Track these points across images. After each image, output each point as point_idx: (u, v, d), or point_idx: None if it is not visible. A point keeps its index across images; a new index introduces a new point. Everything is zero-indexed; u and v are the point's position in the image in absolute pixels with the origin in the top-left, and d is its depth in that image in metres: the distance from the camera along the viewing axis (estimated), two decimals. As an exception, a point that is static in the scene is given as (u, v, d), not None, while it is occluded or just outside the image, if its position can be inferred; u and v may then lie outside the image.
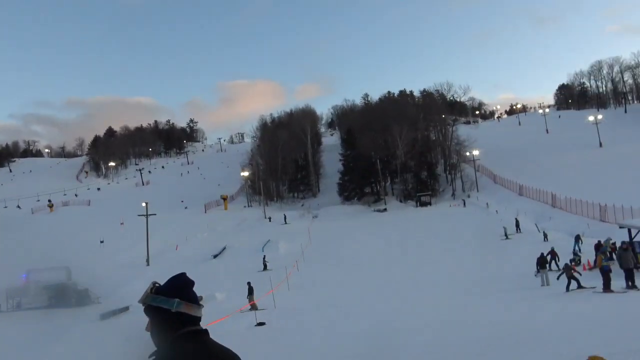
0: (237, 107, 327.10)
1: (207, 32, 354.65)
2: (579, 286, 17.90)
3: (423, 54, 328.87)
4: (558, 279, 20.09)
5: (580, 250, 29.01)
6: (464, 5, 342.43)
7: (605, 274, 16.15)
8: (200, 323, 2.01)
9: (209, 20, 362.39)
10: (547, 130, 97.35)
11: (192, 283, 2.08)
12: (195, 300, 2.01)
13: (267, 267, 35.85)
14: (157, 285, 2.05)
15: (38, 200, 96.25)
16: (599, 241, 24.32)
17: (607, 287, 15.96)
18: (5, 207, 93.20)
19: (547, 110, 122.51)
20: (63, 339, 18.31)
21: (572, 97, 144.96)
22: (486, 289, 21.37)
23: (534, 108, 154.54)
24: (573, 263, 24.28)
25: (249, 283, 24.02)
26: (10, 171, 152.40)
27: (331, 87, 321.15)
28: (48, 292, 31.83)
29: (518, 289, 20.43)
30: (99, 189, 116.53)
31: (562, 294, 17.47)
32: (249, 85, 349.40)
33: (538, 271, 21.91)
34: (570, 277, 18.36)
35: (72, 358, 13.02)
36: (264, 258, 37.20)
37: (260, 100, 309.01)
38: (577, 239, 30.66)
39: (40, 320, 26.45)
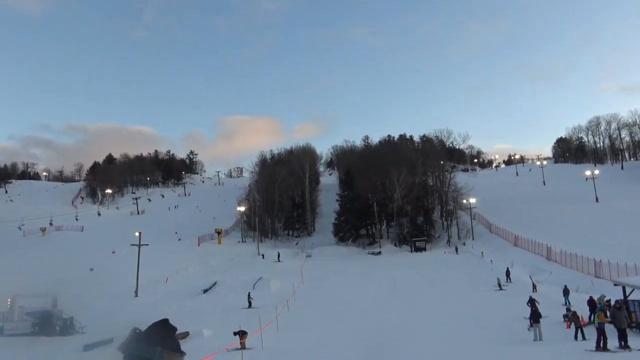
0: (236, 142, 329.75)
1: (209, 66, 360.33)
2: (584, 338, 18.69)
3: (423, 100, 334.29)
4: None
5: (569, 302, 28.86)
6: (465, 56, 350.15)
7: (602, 332, 15.94)
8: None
9: (212, 55, 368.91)
10: (544, 182, 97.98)
11: (174, 330, 2.04)
12: (177, 349, 1.97)
13: (252, 305, 35.21)
14: (138, 331, 2.01)
15: (21, 226, 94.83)
16: (591, 297, 24.13)
17: (603, 346, 15.71)
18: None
19: (544, 162, 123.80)
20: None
21: (569, 151, 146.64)
22: (479, 341, 21.00)
23: (532, 160, 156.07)
24: (567, 319, 24.02)
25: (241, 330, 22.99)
26: (6, 192, 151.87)
27: (330, 128, 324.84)
28: (32, 318, 31.17)
29: (511, 343, 20.09)
30: (99, 214, 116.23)
31: (555, 351, 17.19)
32: (249, 121, 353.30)
33: (531, 325, 21.61)
34: (578, 327, 19.65)
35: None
36: (248, 295, 36.54)
37: (259, 137, 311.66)
38: (566, 291, 30.62)
39: (22, 348, 25.87)
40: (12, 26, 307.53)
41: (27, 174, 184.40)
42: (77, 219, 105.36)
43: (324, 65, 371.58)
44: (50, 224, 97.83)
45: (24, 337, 29.18)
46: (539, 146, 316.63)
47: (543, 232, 55.85)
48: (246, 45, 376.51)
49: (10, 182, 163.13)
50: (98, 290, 43.55)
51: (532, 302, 25.47)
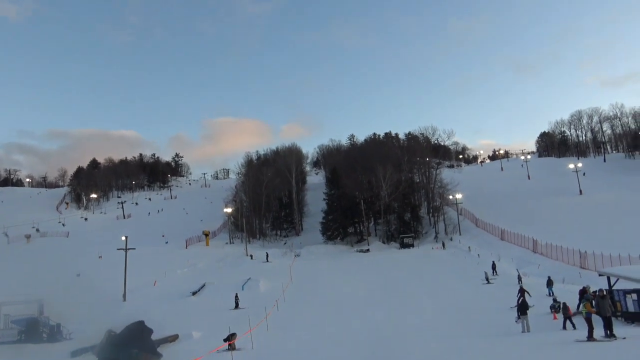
0: (222, 143, 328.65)
1: (194, 69, 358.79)
2: (574, 327, 19.20)
3: (408, 97, 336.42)
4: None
5: (553, 293, 29.49)
6: (447, 52, 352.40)
7: (590, 321, 16.13)
8: None
9: (196, 58, 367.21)
10: (528, 176, 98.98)
11: (149, 332, 2.02)
12: (153, 350, 1.96)
13: (239, 306, 35.13)
14: (112, 334, 2.00)
15: (5, 234, 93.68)
16: (583, 287, 24.38)
17: (589, 335, 15.91)
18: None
19: (528, 157, 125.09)
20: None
21: (552, 144, 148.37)
22: (468, 335, 21.18)
23: (516, 154, 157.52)
24: (553, 310, 24.29)
25: (231, 333, 23.06)
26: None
27: (316, 128, 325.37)
28: (18, 326, 30.72)
29: (499, 335, 20.27)
30: (85, 219, 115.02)
31: (542, 341, 17.37)
32: (234, 122, 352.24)
33: (519, 317, 21.80)
34: (567, 318, 20.02)
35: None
36: (235, 296, 36.42)
37: (245, 138, 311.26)
38: (549, 282, 31.05)
39: (9, 356, 25.51)
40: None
41: (9, 181, 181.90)
42: (63, 225, 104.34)
43: (308, 65, 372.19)
44: (37, 230, 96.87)
45: (11, 344, 28.75)
46: (523, 141, 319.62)
47: (529, 226, 56.48)
48: (230, 48, 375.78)
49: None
50: (85, 295, 43.10)
51: (522, 291, 25.98)
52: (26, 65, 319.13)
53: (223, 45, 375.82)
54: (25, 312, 31.50)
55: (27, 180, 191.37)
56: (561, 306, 21.86)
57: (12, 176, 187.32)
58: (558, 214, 63.11)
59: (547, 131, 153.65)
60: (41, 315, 31.96)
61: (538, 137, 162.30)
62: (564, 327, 20.36)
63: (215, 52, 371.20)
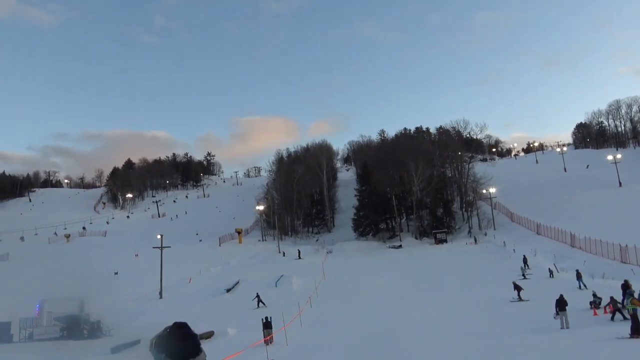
0: (251, 142, 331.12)
1: (219, 68, 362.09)
2: (624, 318, 19.14)
3: (438, 92, 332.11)
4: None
5: (585, 286, 29.58)
6: (476, 44, 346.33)
7: (635, 317, 15.62)
8: (213, 358, 1.99)
9: (222, 57, 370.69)
10: (565, 168, 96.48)
11: (183, 338, 2.02)
12: (183, 357, 1.96)
13: (261, 305, 34.87)
14: (160, 335, 2.02)
15: (55, 234, 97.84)
16: (626, 281, 23.64)
17: (635, 332, 15.39)
18: (22, 237, 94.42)
19: (564, 148, 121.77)
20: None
21: (590, 136, 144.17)
22: (505, 331, 20.80)
23: (551, 146, 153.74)
24: (593, 306, 23.65)
25: (266, 318, 23.85)
26: (30, 201, 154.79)
27: (345, 125, 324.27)
28: (60, 323, 31.71)
29: (537, 332, 19.84)
30: (128, 216, 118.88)
31: (582, 338, 16.94)
32: (262, 121, 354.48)
33: (557, 313, 21.31)
34: (617, 310, 20.20)
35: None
36: (257, 295, 36.07)
37: (273, 136, 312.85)
38: (579, 275, 30.42)
39: (52, 352, 26.34)
40: (24, 38, 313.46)
41: (49, 182, 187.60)
42: (107, 223, 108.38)
43: (335, 63, 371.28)
44: (84, 228, 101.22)
45: (53, 341, 29.70)
46: (556, 133, 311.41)
47: (566, 220, 55.06)
48: (256, 47, 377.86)
49: (34, 191, 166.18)
50: (123, 293, 44.25)
51: (516, 286, 28.51)
52: (59, 70, 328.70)
53: (248, 44, 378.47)
54: (67, 310, 32.46)
55: (66, 181, 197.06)
56: (610, 300, 21.67)
57: (51, 177, 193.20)
58: (596, 207, 61.24)
59: (583, 122, 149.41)
60: (82, 313, 32.91)
61: (574, 129, 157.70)
62: (612, 319, 20.32)
63: (241, 51, 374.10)
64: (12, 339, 30.41)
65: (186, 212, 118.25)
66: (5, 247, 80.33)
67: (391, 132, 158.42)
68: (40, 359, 24.56)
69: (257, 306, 35.03)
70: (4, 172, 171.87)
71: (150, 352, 2.00)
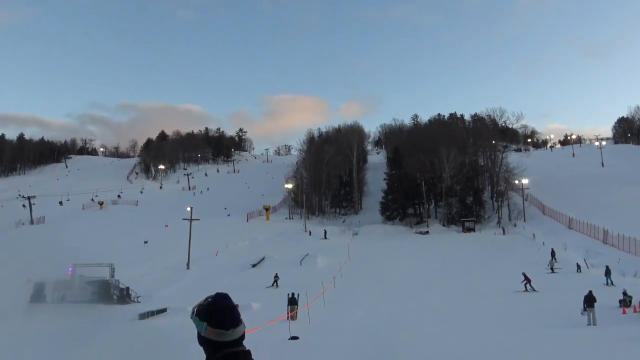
0: (281, 120, 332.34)
1: (252, 46, 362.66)
2: None
3: (473, 78, 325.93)
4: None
5: (612, 283, 29.17)
6: (515, 32, 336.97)
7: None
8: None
9: (256, 34, 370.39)
10: (602, 163, 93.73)
11: (224, 308, 2.03)
12: (223, 326, 1.98)
13: (277, 284, 35.07)
14: (201, 304, 2.05)
15: (93, 199, 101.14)
16: None
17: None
18: (60, 202, 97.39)
19: (603, 143, 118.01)
20: (102, 335, 18.75)
21: (631, 131, 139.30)
22: (532, 325, 20.54)
23: (590, 140, 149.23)
24: (623, 305, 23.13)
25: (292, 294, 24.23)
26: (66, 167, 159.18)
27: (376, 107, 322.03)
28: (91, 287, 32.75)
29: (564, 327, 19.53)
30: (161, 187, 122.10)
31: (609, 335, 16.62)
32: (293, 99, 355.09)
33: (585, 309, 20.94)
34: None
35: (108, 355, 13.33)
36: (275, 275, 36.23)
37: (303, 115, 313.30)
38: (607, 272, 29.82)
39: (82, 314, 27.24)
40: (66, 10, 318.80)
41: (85, 150, 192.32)
42: (141, 192, 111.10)
43: (368, 43, 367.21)
44: (119, 196, 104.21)
45: (84, 304, 30.71)
46: (595, 126, 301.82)
47: (600, 215, 53.57)
48: (290, 26, 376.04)
49: (70, 157, 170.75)
50: (152, 262, 45.35)
51: (525, 277, 28.97)
52: (98, 42, 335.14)
53: (282, 22, 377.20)
54: (98, 275, 33.47)
55: (101, 149, 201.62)
56: None
57: (87, 145, 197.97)
58: (633, 204, 59.42)
59: (625, 116, 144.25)
60: (112, 279, 33.90)
61: (615, 123, 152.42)
62: None
63: (275, 29, 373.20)
64: (46, 300, 31.59)
65: (213, 187, 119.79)
66: (42, 210, 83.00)
67: (424, 117, 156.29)
68: (72, 319, 25.47)
69: (271, 285, 35.20)
70: (42, 138, 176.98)
71: (192, 320, 2.04)
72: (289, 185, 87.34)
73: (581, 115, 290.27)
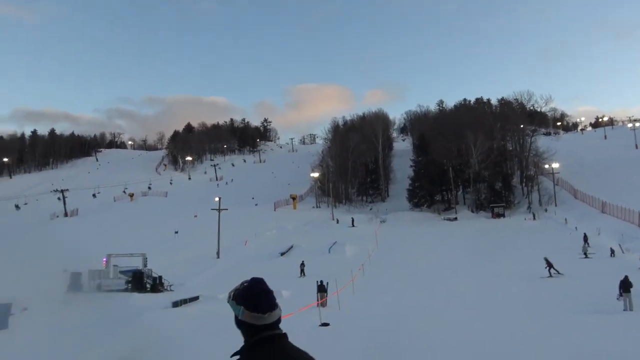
0: (305, 109, 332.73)
1: (275, 36, 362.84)
2: None
3: (499, 62, 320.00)
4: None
5: None
6: (542, 14, 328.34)
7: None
8: None
9: (278, 24, 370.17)
10: (636, 145, 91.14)
11: (260, 292, 2.07)
12: (260, 310, 2.01)
13: (304, 273, 35.46)
14: (238, 289, 2.09)
15: (124, 191, 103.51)
16: None
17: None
18: (94, 195, 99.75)
19: (637, 124, 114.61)
20: (137, 322, 19.21)
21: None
22: (565, 311, 20.23)
23: (622, 122, 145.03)
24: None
25: (321, 281, 24.45)
26: (97, 160, 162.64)
27: (401, 93, 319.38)
28: (125, 276, 33.54)
29: (599, 312, 19.17)
30: (190, 178, 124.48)
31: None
32: (316, 88, 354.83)
33: (621, 294, 20.50)
34: None
35: (147, 341, 13.67)
36: (302, 264, 36.50)
37: (327, 104, 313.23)
38: None
39: (117, 303, 27.94)
40: (90, 6, 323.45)
41: (114, 143, 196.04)
42: (170, 183, 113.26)
43: (391, 31, 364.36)
44: (149, 187, 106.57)
45: (119, 292, 31.51)
46: (627, 107, 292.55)
47: (635, 199, 52.23)
48: (312, 14, 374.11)
49: (100, 151, 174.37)
50: (183, 252, 46.15)
51: (548, 262, 28.91)
52: (123, 36, 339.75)
53: (305, 12, 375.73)
54: (132, 264, 34.26)
55: (130, 142, 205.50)
56: None
57: (116, 139, 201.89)
58: (669, 186, 57.73)
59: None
60: (145, 268, 34.63)
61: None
62: None
63: (297, 19, 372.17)
64: (82, 289, 32.48)
65: (239, 178, 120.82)
66: (76, 203, 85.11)
67: (450, 103, 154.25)
68: (108, 306, 26.19)
69: (299, 274, 35.55)
70: (72, 133, 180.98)
71: (229, 304, 2.08)
72: (315, 174, 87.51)
73: (612, 97, 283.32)
